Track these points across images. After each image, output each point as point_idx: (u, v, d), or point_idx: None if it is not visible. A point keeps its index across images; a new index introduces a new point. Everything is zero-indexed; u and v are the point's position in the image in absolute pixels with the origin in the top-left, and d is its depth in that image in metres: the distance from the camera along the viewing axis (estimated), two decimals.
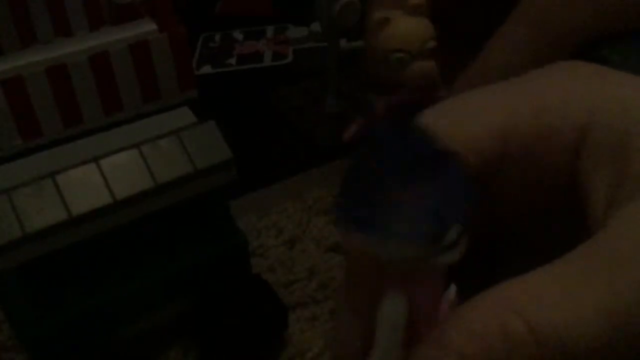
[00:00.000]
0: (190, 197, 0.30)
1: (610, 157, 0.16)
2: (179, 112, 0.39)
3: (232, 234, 0.34)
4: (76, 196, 0.28)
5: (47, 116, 0.46)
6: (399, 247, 0.15)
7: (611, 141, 0.16)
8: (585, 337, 0.14)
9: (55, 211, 0.27)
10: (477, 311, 0.16)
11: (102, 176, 0.28)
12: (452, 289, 0.17)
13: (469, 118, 0.18)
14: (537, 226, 0.19)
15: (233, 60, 0.53)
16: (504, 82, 0.19)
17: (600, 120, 0.17)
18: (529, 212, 0.19)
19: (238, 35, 0.57)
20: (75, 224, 0.28)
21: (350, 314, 0.18)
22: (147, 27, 0.47)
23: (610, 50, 0.33)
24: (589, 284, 0.15)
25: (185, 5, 0.55)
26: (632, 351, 0.14)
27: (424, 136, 0.15)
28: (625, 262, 0.15)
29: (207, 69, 0.53)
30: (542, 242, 0.19)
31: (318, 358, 0.36)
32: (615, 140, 0.16)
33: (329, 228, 0.44)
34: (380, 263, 0.16)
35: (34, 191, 0.28)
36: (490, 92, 0.19)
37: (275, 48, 0.54)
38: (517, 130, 0.18)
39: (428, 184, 0.15)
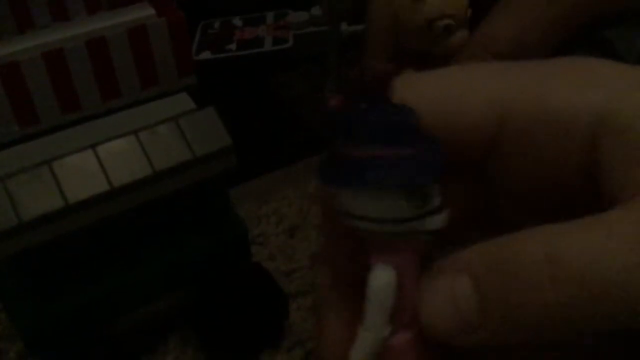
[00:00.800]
0: (189, 184, 0.30)
1: None
2: (177, 98, 0.39)
3: (232, 222, 0.33)
4: (73, 183, 0.27)
5: (44, 102, 0.45)
6: (381, 204, 0.15)
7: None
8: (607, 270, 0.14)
9: (51, 199, 0.27)
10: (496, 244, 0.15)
11: (99, 163, 0.28)
12: None
13: (470, 86, 0.18)
14: (538, 214, 0.19)
15: (233, 46, 0.52)
16: (507, 62, 0.18)
17: (622, 114, 0.16)
18: (529, 199, 0.18)
19: (237, 21, 0.56)
20: (72, 211, 0.27)
21: (334, 306, 0.18)
22: (145, 11, 0.46)
23: (615, 32, 0.32)
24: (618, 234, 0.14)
25: None
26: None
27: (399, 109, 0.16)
28: None
29: (206, 55, 0.52)
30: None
31: None
32: None
33: None
34: (363, 236, 0.16)
35: (30, 178, 0.27)
36: (496, 67, 0.18)
37: (275, 33, 0.53)
38: (520, 108, 0.17)
39: (403, 147, 0.15)
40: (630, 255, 0.14)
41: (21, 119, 0.45)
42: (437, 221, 0.16)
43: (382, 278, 0.16)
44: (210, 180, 0.30)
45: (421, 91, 0.18)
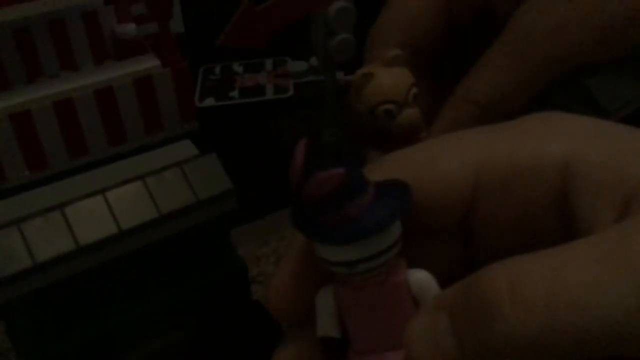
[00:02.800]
0: (193, 226, 0.31)
1: (610, 186, 0.17)
2: (181, 144, 0.41)
3: (231, 261, 0.35)
4: (84, 227, 0.29)
5: (53, 148, 0.47)
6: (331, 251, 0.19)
7: (606, 174, 0.17)
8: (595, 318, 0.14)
9: (63, 241, 0.29)
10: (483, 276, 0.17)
11: (108, 207, 0.30)
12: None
13: (442, 154, 0.20)
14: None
15: (235, 93, 0.55)
16: (479, 127, 0.21)
17: (586, 158, 0.18)
18: (508, 244, 0.20)
19: (238, 67, 0.59)
20: (83, 253, 0.29)
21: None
22: (151, 62, 0.49)
23: (593, 80, 0.34)
24: (611, 271, 0.15)
25: (185, 36, 0.57)
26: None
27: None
28: None
29: (210, 102, 0.54)
30: None
31: None
32: (611, 173, 0.17)
33: None
34: (323, 264, 0.19)
35: (44, 222, 0.29)
36: (466, 134, 0.20)
37: (276, 81, 0.55)
38: (492, 166, 0.19)
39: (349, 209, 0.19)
40: (585, 275, 0.15)
41: (31, 165, 0.47)
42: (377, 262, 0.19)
43: (325, 297, 0.20)
44: (212, 221, 0.32)
45: (398, 167, 0.20)
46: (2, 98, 0.45)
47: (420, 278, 0.19)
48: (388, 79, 0.30)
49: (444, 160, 0.20)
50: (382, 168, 0.21)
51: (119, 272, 0.32)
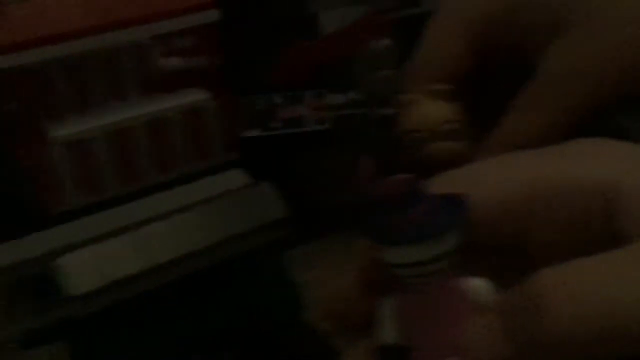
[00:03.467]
0: (250, 250, 0.33)
1: None
2: (232, 173, 0.43)
3: (286, 285, 0.37)
4: (150, 249, 0.31)
5: (107, 175, 0.50)
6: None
7: None
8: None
9: (133, 262, 0.31)
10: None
11: (173, 231, 0.32)
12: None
13: (497, 174, 0.22)
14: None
15: (278, 124, 0.57)
16: (529, 150, 0.23)
17: (628, 181, 0.20)
18: (555, 258, 0.22)
19: (278, 99, 0.61)
20: (148, 275, 0.31)
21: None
22: (200, 95, 0.51)
23: (626, 116, 0.36)
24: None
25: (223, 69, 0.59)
26: None
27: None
28: None
29: (254, 132, 0.57)
30: None
31: None
32: None
33: None
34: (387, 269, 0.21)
35: (114, 244, 0.31)
36: (518, 156, 0.22)
37: (316, 114, 0.58)
38: (541, 187, 0.21)
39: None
40: (632, 273, 0.17)
41: (87, 189, 0.50)
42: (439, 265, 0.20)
43: (386, 303, 0.21)
44: (267, 246, 0.34)
45: (454, 184, 0.22)
46: (62, 126, 0.48)
47: (479, 284, 0.21)
48: (423, 109, 0.32)
49: (499, 180, 0.22)
50: (440, 183, 0.22)
51: (179, 293, 0.34)
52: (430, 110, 0.30)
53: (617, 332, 0.17)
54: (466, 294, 0.21)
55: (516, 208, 0.21)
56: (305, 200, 0.51)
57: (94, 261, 0.30)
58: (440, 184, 0.22)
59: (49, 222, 0.44)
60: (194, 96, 0.51)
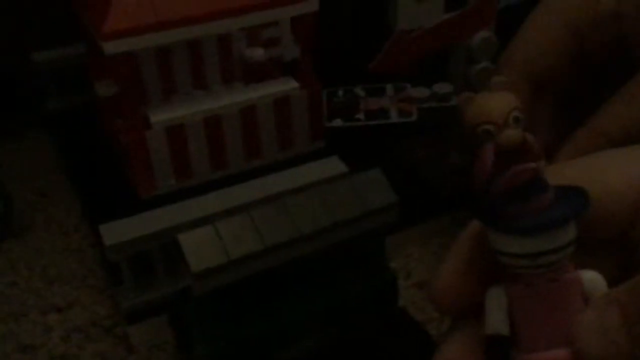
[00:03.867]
0: (359, 235, 0.34)
1: None
2: (330, 160, 0.44)
3: (384, 270, 0.37)
4: (269, 229, 0.32)
5: (199, 160, 0.51)
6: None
7: None
8: None
9: (252, 241, 0.32)
10: None
11: (289, 212, 0.33)
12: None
13: (610, 169, 0.22)
14: None
15: (361, 115, 0.58)
16: (633, 147, 0.22)
17: None
18: None
19: (360, 91, 0.62)
20: (267, 253, 0.32)
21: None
22: (289, 84, 0.52)
23: None
24: None
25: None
26: None
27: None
28: None
29: (338, 122, 0.57)
30: None
31: None
32: None
33: None
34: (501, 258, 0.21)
35: (235, 222, 0.32)
36: (630, 152, 0.22)
37: (399, 106, 0.58)
38: None
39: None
40: None
41: (178, 174, 0.51)
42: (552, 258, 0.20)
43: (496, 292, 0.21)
44: (375, 231, 0.35)
45: (567, 178, 0.22)
46: (161, 111, 0.49)
47: (592, 276, 0.21)
48: (489, 101, 0.32)
49: (612, 175, 0.22)
50: (553, 176, 0.22)
51: (287, 275, 0.34)
52: (496, 101, 0.30)
53: None
54: (580, 286, 0.21)
55: (628, 206, 0.21)
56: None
57: (215, 239, 0.31)
58: (551, 177, 0.23)
59: (140, 206, 0.46)
60: (285, 85, 0.52)
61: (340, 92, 0.62)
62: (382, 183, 0.35)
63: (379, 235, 0.36)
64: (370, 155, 0.54)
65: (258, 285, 0.34)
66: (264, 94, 0.51)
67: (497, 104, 0.31)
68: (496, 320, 0.21)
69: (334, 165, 0.42)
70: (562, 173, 0.23)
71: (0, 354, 0.42)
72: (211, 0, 0.45)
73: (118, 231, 0.38)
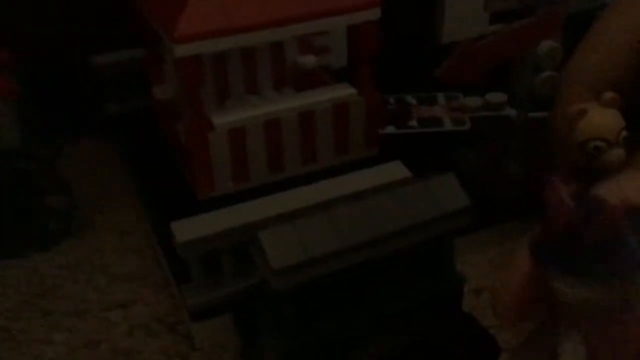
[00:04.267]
0: (436, 237, 0.34)
1: None
2: (392, 165, 0.44)
3: (454, 273, 0.37)
4: (348, 228, 0.32)
5: (257, 163, 0.52)
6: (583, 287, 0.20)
7: None
8: None
9: (331, 240, 0.32)
10: None
11: (366, 214, 0.33)
12: None
13: None
14: None
15: (414, 123, 0.58)
16: None
17: None
18: None
19: (411, 99, 0.62)
20: (346, 253, 0.32)
21: None
22: (348, 90, 0.53)
23: None
24: None
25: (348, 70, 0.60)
26: None
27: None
28: None
29: (391, 129, 0.58)
30: None
31: None
32: None
33: None
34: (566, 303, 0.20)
35: (312, 221, 0.32)
36: None
37: (452, 114, 0.58)
38: None
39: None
40: None
41: (236, 177, 0.52)
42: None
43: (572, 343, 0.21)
44: (449, 234, 0.35)
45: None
46: (224, 114, 0.50)
47: None
48: (602, 118, 0.32)
49: None
50: (609, 189, 0.22)
51: (359, 276, 0.35)
52: (608, 118, 0.30)
53: None
54: None
55: None
56: None
57: (295, 236, 0.32)
58: (610, 190, 0.22)
59: (199, 208, 0.46)
60: (343, 91, 0.53)
61: (392, 100, 0.62)
62: (455, 187, 0.35)
63: (451, 238, 0.36)
64: (424, 162, 0.55)
65: (331, 286, 0.34)
66: (323, 99, 0.52)
67: (610, 121, 0.31)
68: None
69: (398, 170, 0.43)
70: (619, 186, 0.23)
71: (66, 349, 0.43)
72: (276, 9, 0.46)
73: (189, 229, 0.39)
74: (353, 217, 0.33)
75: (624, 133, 0.30)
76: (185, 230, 0.39)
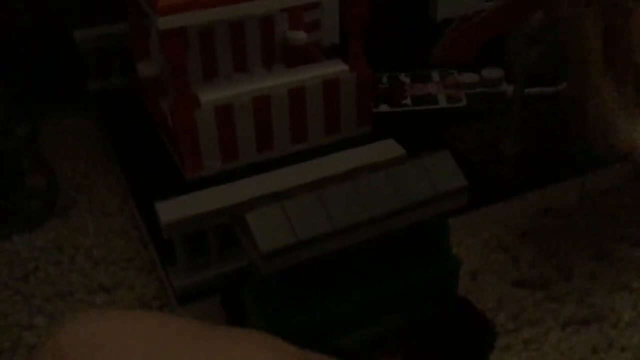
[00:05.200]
0: (430, 218, 0.33)
1: None
2: (386, 143, 0.43)
3: (449, 255, 0.36)
4: (338, 210, 0.31)
5: (245, 142, 0.50)
6: None
7: None
8: None
9: (321, 222, 0.31)
10: None
11: (359, 195, 0.32)
12: None
13: None
14: None
15: (408, 101, 0.56)
16: None
17: None
18: None
19: (404, 78, 0.60)
20: (336, 235, 0.31)
21: None
22: (339, 66, 0.51)
23: None
24: None
25: (340, 47, 0.59)
26: None
27: None
28: None
29: (384, 108, 0.56)
30: None
31: None
32: None
33: (509, 264, 0.46)
34: None
35: (303, 203, 0.31)
36: None
37: (447, 91, 0.57)
38: None
39: None
40: None
41: (225, 156, 0.50)
42: None
43: None
44: (444, 215, 0.34)
45: None
46: (211, 91, 0.48)
47: None
48: None
49: None
50: None
51: (355, 258, 0.33)
52: None
53: None
54: None
55: None
56: None
57: (283, 218, 0.30)
58: None
59: (187, 187, 0.45)
60: (334, 67, 0.51)
61: (385, 79, 0.61)
62: (450, 166, 0.34)
63: (446, 219, 0.35)
64: (419, 141, 0.53)
65: (322, 268, 0.33)
66: (313, 75, 0.50)
67: None
68: None
69: (391, 148, 0.41)
70: None
71: (49, 333, 0.42)
72: None
73: (174, 209, 0.37)
74: (344, 198, 0.31)
75: None
76: (171, 210, 0.37)
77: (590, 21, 0.35)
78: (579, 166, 0.50)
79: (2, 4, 0.59)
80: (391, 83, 0.60)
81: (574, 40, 0.36)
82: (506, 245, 0.47)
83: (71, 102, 0.61)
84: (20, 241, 0.49)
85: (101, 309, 0.43)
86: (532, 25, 0.43)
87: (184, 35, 0.45)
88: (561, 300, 0.43)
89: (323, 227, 0.31)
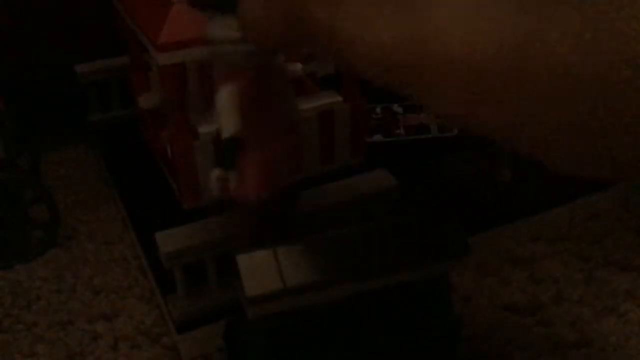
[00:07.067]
0: (426, 276, 0.33)
1: None
2: (377, 173, 0.44)
3: (448, 315, 0.36)
4: (330, 260, 0.32)
5: None
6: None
7: None
8: None
9: (311, 271, 0.31)
10: None
11: (352, 245, 0.32)
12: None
13: None
14: None
15: (401, 130, 0.58)
16: None
17: None
18: None
19: (397, 108, 0.62)
20: (326, 286, 0.32)
21: None
22: (333, 98, 0.53)
23: None
24: None
25: (335, 77, 0.60)
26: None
27: None
28: None
29: (378, 138, 0.58)
30: None
31: None
32: None
33: (500, 289, 0.47)
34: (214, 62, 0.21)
35: (295, 250, 0.32)
36: None
37: (439, 121, 0.58)
38: None
39: None
40: None
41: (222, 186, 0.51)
42: None
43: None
44: (442, 275, 0.34)
45: None
46: (207, 123, 0.49)
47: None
48: None
49: None
50: None
51: (345, 312, 0.33)
52: None
53: None
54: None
55: None
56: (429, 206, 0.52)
57: (273, 263, 0.31)
58: None
59: (185, 217, 0.46)
60: (329, 98, 0.52)
61: (378, 109, 0.62)
62: (450, 225, 0.34)
63: (445, 278, 0.35)
64: (412, 170, 0.55)
65: (310, 320, 0.33)
66: (308, 107, 0.51)
67: None
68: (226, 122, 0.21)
69: (383, 178, 0.42)
70: None
71: None
72: None
73: (173, 239, 0.38)
74: (337, 248, 0.32)
75: None
76: (170, 240, 0.38)
77: None
78: (569, 193, 0.51)
79: (4, 37, 0.61)
80: (385, 113, 0.61)
81: None
82: (497, 270, 0.49)
83: (72, 134, 0.62)
84: (22, 270, 0.50)
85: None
86: None
87: (184, 71, 0.46)
88: (551, 324, 0.44)
89: (312, 276, 0.31)
